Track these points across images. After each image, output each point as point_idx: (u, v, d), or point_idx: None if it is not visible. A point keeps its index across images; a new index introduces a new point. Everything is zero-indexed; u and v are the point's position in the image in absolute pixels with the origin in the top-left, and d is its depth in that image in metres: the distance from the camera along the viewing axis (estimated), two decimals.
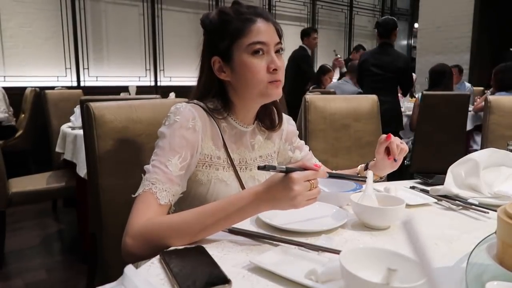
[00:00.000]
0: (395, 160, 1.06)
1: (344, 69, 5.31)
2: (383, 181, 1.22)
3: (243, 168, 1.02)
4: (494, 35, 6.46)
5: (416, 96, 4.08)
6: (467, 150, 3.49)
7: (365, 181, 0.93)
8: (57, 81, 4.82)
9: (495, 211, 0.61)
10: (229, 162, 0.98)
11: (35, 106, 3.74)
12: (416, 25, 8.10)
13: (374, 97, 2.00)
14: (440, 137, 3.16)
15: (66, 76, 4.90)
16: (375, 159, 1.11)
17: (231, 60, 0.93)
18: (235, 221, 0.78)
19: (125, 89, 4.03)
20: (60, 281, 2.18)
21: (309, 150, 1.23)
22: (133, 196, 0.85)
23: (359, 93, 3.82)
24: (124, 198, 0.92)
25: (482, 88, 5.47)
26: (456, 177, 1.12)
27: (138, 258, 0.79)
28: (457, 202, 1.03)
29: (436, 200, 1.06)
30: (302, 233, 0.81)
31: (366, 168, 1.15)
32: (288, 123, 1.16)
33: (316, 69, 5.41)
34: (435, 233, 0.84)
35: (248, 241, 0.77)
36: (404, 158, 1.10)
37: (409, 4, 9.02)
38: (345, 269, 0.52)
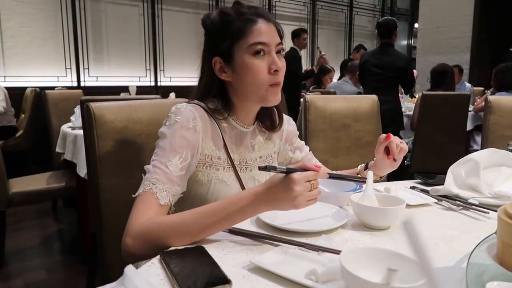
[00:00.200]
0: (394, 159, 1.06)
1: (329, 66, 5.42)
2: (383, 181, 1.22)
3: (243, 168, 1.02)
4: (494, 35, 6.46)
5: (417, 96, 4.08)
6: (467, 150, 3.48)
7: (365, 182, 0.93)
8: (57, 81, 4.83)
9: (495, 211, 0.61)
10: (229, 162, 0.98)
11: (35, 106, 3.75)
12: (416, 25, 8.10)
13: (374, 97, 2.00)
14: (440, 137, 3.16)
15: (66, 76, 4.91)
16: (375, 159, 1.11)
17: (232, 61, 0.93)
18: (236, 221, 0.78)
19: (125, 89, 4.03)
20: (60, 281, 2.18)
21: (309, 151, 1.23)
22: (133, 196, 0.85)
23: (359, 93, 3.83)
24: (124, 198, 0.92)
25: (482, 88, 5.47)
26: (456, 177, 1.12)
27: (138, 258, 0.79)
28: (457, 202, 1.03)
29: (436, 200, 1.06)
30: (302, 233, 0.80)
31: (366, 168, 1.15)
32: (288, 124, 1.16)
33: (316, 69, 5.41)
34: (435, 233, 0.84)
35: (248, 241, 0.77)
36: (404, 158, 1.10)
37: (409, 4, 9.03)
38: (345, 269, 0.52)
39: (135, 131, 1.15)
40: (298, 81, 4.91)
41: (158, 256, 0.69)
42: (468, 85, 5.27)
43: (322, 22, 7.57)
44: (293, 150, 1.17)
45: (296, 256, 0.69)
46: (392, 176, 1.33)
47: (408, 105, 4.22)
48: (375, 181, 1.06)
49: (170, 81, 5.70)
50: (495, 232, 0.58)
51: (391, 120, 3.18)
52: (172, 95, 3.62)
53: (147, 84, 5.53)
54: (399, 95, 3.63)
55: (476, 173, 1.09)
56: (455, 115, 3.17)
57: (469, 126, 3.53)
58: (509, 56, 6.04)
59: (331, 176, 0.87)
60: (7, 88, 3.97)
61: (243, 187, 0.99)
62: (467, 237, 0.82)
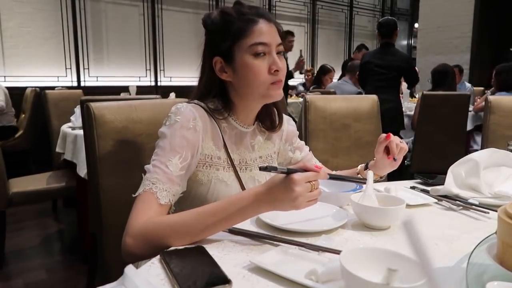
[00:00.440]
0: (394, 159, 1.06)
1: (304, 69, 5.49)
2: (383, 181, 1.22)
3: (243, 168, 1.02)
4: (494, 35, 6.45)
5: (417, 96, 4.08)
6: (468, 150, 3.48)
7: (365, 182, 0.93)
8: (57, 81, 4.83)
9: (496, 211, 0.61)
10: (229, 162, 0.98)
11: (35, 106, 3.75)
12: (416, 25, 8.10)
13: (374, 97, 2.00)
14: (440, 137, 3.16)
15: (66, 76, 4.91)
16: (375, 158, 1.11)
17: (233, 61, 0.93)
18: (236, 222, 0.78)
19: (125, 89, 4.03)
20: (60, 281, 2.18)
21: (309, 151, 1.23)
22: (133, 196, 0.85)
23: (359, 93, 3.83)
24: (124, 198, 0.92)
25: (482, 88, 5.47)
26: (456, 177, 1.12)
27: (138, 258, 0.79)
28: (457, 202, 1.03)
29: (436, 200, 1.06)
30: (303, 233, 0.80)
31: (366, 168, 1.15)
32: (288, 124, 1.16)
33: (316, 69, 5.41)
34: (435, 233, 0.84)
35: (249, 241, 0.77)
36: (404, 158, 1.10)
37: (409, 4, 9.03)
38: (345, 269, 0.52)
39: (135, 131, 1.15)
40: (285, 82, 4.93)
41: (158, 256, 0.69)
42: (468, 85, 5.27)
43: (322, 22, 7.57)
44: (293, 150, 1.17)
45: (296, 256, 0.69)
46: (392, 176, 1.33)
47: (408, 105, 4.23)
48: (375, 181, 1.06)
49: (170, 81, 5.70)
50: (495, 232, 0.58)
51: (392, 120, 3.22)
52: (172, 95, 3.62)
53: (147, 84, 5.53)
54: (400, 95, 3.65)
55: (476, 173, 1.09)
56: (455, 115, 3.17)
57: (469, 126, 3.53)
58: (509, 56, 6.04)
59: (332, 177, 0.87)
60: (7, 88, 3.97)
61: (243, 187, 0.99)
62: (467, 237, 0.82)
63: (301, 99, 4.87)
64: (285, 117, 1.13)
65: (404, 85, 4.05)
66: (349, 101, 1.97)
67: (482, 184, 1.08)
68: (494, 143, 1.94)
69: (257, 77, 0.91)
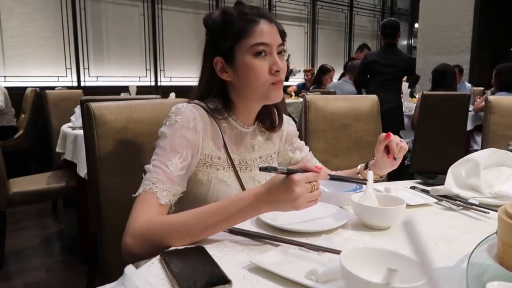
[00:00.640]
0: (395, 158, 1.05)
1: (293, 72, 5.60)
2: (384, 181, 1.22)
3: (243, 168, 1.02)
4: (494, 35, 6.46)
5: (417, 96, 4.09)
6: (468, 150, 3.48)
7: (366, 183, 0.93)
8: (58, 81, 4.83)
9: (496, 211, 0.61)
10: (229, 162, 0.98)
11: (35, 106, 3.75)
12: (416, 25, 8.10)
13: (374, 97, 2.00)
14: (440, 137, 3.16)
15: (66, 76, 4.91)
16: (375, 158, 1.11)
17: (234, 61, 0.93)
18: (236, 222, 0.78)
19: (125, 89, 4.03)
20: (60, 281, 2.18)
21: (309, 151, 1.23)
22: (133, 195, 0.85)
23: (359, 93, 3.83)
24: (124, 198, 0.92)
25: (482, 88, 5.47)
26: (456, 177, 1.12)
27: (138, 258, 0.79)
28: (457, 202, 1.03)
29: (436, 200, 1.06)
30: (303, 233, 0.80)
31: (366, 168, 1.14)
32: (288, 124, 1.16)
33: (316, 69, 5.41)
34: (435, 233, 0.84)
35: (249, 241, 0.77)
36: (404, 158, 1.10)
37: (409, 4, 9.03)
38: (346, 269, 0.52)
39: (135, 131, 1.15)
40: None
41: (158, 256, 0.69)
42: (468, 85, 5.27)
43: (322, 22, 7.57)
44: (293, 150, 1.17)
45: (296, 256, 0.69)
46: (392, 176, 1.33)
47: (408, 105, 4.23)
48: (375, 181, 1.06)
49: (170, 81, 5.70)
50: (496, 232, 0.58)
51: (393, 119, 3.28)
52: (172, 95, 3.62)
53: (147, 84, 5.53)
54: (401, 95, 3.68)
55: (476, 173, 1.09)
56: (455, 115, 3.17)
57: (469, 126, 3.53)
58: (509, 56, 6.04)
59: (332, 178, 0.87)
60: (7, 88, 3.97)
61: (243, 187, 0.99)
62: (467, 237, 0.82)
63: (301, 99, 4.88)
64: (285, 117, 1.13)
65: (404, 85, 4.06)
66: (349, 101, 1.97)
67: (482, 184, 1.08)
68: (494, 143, 1.94)
69: (258, 77, 0.91)
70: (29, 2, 4.56)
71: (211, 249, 0.72)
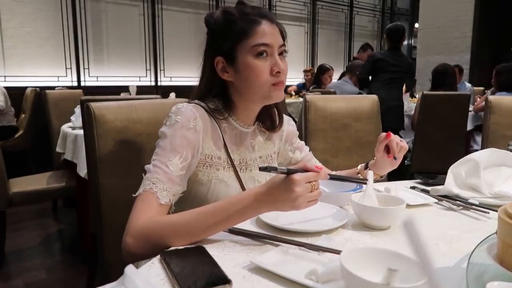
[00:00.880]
0: (395, 158, 1.05)
1: None
2: (384, 181, 1.22)
3: (243, 168, 1.02)
4: (494, 35, 6.45)
5: (417, 96, 4.10)
6: (468, 150, 3.48)
7: (366, 183, 0.93)
8: (58, 81, 4.83)
9: (496, 211, 0.61)
10: (229, 162, 0.98)
11: (35, 106, 3.74)
12: (416, 25, 8.10)
13: (374, 97, 2.00)
14: (440, 137, 3.16)
15: (66, 76, 4.91)
16: (375, 158, 1.11)
17: (235, 61, 0.93)
18: (236, 222, 0.78)
19: (125, 89, 4.03)
20: (60, 281, 2.18)
21: (309, 151, 1.23)
22: (133, 195, 0.85)
23: (359, 93, 3.84)
24: (124, 198, 0.92)
25: (482, 88, 5.46)
26: (456, 177, 1.12)
27: (138, 258, 0.79)
28: (457, 202, 1.03)
29: (436, 200, 1.06)
30: (303, 233, 0.80)
31: (366, 168, 1.14)
32: (288, 124, 1.16)
33: (315, 69, 5.41)
34: (435, 233, 0.84)
35: (249, 241, 0.77)
36: (404, 158, 1.10)
37: (409, 4, 9.03)
38: (346, 269, 0.52)
39: (135, 131, 1.15)
40: None
41: (159, 256, 0.69)
42: (468, 85, 5.27)
43: (322, 22, 7.57)
44: (293, 150, 1.17)
45: (296, 256, 0.69)
46: (392, 176, 1.33)
47: (408, 105, 4.23)
48: (375, 181, 1.06)
49: (170, 81, 5.70)
50: (496, 232, 0.58)
51: (395, 118, 3.40)
52: (172, 95, 3.62)
53: (147, 84, 5.53)
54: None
55: (476, 173, 1.09)
56: (455, 115, 3.17)
57: (469, 126, 3.53)
58: (509, 56, 6.04)
59: (332, 177, 0.87)
60: (7, 88, 3.97)
61: (243, 187, 0.99)
62: (468, 237, 0.82)
63: (301, 99, 4.87)
64: (285, 117, 1.13)
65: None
66: (349, 101, 1.97)
67: (482, 184, 1.08)
68: (494, 143, 1.94)
69: (259, 77, 0.91)
70: (29, 2, 4.56)
71: (211, 249, 0.72)
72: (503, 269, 0.52)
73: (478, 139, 3.71)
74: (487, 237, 0.61)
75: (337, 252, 0.69)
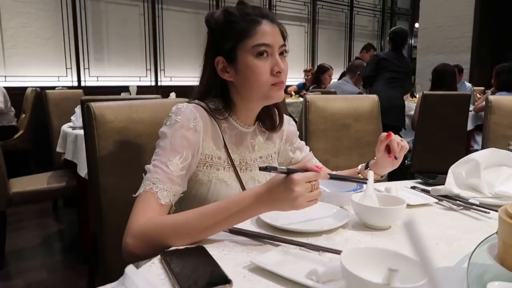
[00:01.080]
0: (395, 157, 1.05)
1: None
2: (384, 180, 1.22)
3: (244, 168, 1.02)
4: (494, 34, 6.45)
5: (417, 96, 4.11)
6: (468, 150, 3.48)
7: (366, 183, 0.93)
8: (58, 81, 4.83)
9: (496, 211, 0.61)
10: (229, 162, 0.98)
11: (35, 106, 3.74)
12: (416, 25, 8.09)
13: (374, 97, 2.00)
14: (440, 137, 3.16)
15: (66, 76, 4.91)
16: (375, 158, 1.11)
17: (235, 61, 0.93)
18: (237, 222, 0.78)
19: (125, 89, 4.03)
20: (60, 281, 2.18)
21: (310, 151, 1.23)
22: (134, 196, 0.85)
23: (360, 93, 3.85)
24: (125, 198, 0.92)
25: (482, 88, 5.46)
26: (457, 177, 1.12)
27: (138, 258, 0.79)
28: (458, 202, 1.02)
29: (437, 200, 1.06)
30: (303, 233, 0.80)
31: (366, 168, 1.14)
32: (289, 124, 1.16)
33: (315, 69, 5.41)
34: (436, 233, 0.84)
35: (249, 241, 0.77)
36: (405, 158, 1.10)
37: (410, 4, 9.02)
38: (346, 269, 0.52)
39: (135, 131, 1.15)
40: None
41: (159, 256, 0.69)
42: (468, 84, 5.27)
43: (322, 22, 7.57)
44: (293, 150, 1.17)
45: (296, 256, 0.69)
46: (393, 176, 1.33)
47: (408, 104, 4.23)
48: (375, 181, 1.06)
49: (171, 81, 5.70)
50: (496, 232, 0.58)
51: (397, 117, 3.46)
52: (173, 95, 3.62)
53: (148, 84, 5.53)
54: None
55: (476, 173, 1.09)
56: (455, 115, 3.17)
57: (469, 126, 3.53)
58: (509, 55, 6.03)
59: (332, 177, 0.87)
60: (7, 88, 3.97)
61: (243, 187, 0.99)
62: (468, 237, 0.82)
63: (301, 99, 4.87)
64: (285, 117, 1.13)
65: None
66: (350, 101, 1.96)
67: (482, 184, 1.08)
68: (495, 143, 1.94)
69: (259, 78, 0.91)
70: (30, 2, 4.56)
71: (211, 249, 0.72)
72: (504, 269, 0.52)
73: (479, 139, 3.71)
74: (488, 237, 0.61)
75: (338, 252, 0.69)
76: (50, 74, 4.76)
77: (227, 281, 0.60)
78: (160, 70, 5.61)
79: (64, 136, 2.51)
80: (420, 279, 0.50)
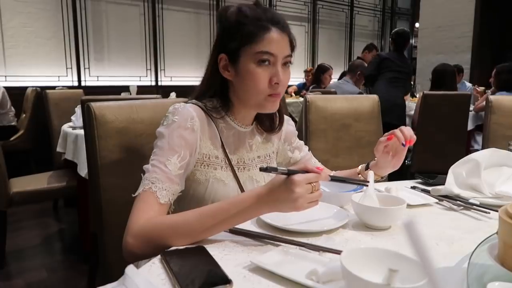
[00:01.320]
0: (403, 145, 1.02)
1: None
2: (384, 181, 1.22)
3: (241, 168, 1.02)
4: (494, 34, 6.44)
5: (417, 95, 4.12)
6: (468, 150, 3.48)
7: (367, 185, 0.93)
8: (58, 80, 4.83)
9: (497, 211, 0.61)
10: (227, 162, 0.98)
11: (36, 106, 3.74)
12: (417, 24, 8.08)
13: (374, 97, 2.00)
14: (440, 137, 3.16)
15: (67, 75, 4.91)
16: (375, 159, 1.11)
17: (237, 62, 0.92)
18: (237, 223, 0.78)
19: (126, 89, 4.03)
20: (60, 281, 2.18)
21: (309, 151, 1.23)
22: (133, 195, 0.85)
23: (360, 93, 3.85)
24: (125, 197, 0.92)
25: (483, 88, 5.46)
26: (457, 177, 1.12)
27: (139, 258, 0.79)
28: (458, 202, 1.02)
29: (437, 200, 1.06)
30: (303, 233, 0.80)
31: (367, 168, 1.14)
32: (287, 124, 1.15)
33: (315, 68, 5.41)
34: (436, 234, 0.84)
35: (249, 241, 0.77)
36: (405, 158, 1.09)
37: (410, 3, 9.02)
38: (346, 269, 0.52)
39: (136, 131, 1.15)
40: None
41: (159, 256, 0.69)
42: (468, 84, 5.27)
43: (322, 21, 7.57)
44: (292, 150, 1.16)
45: (297, 256, 0.69)
46: (393, 176, 1.33)
47: (408, 104, 4.23)
48: (376, 181, 1.05)
49: (171, 80, 5.70)
50: (496, 233, 0.58)
51: (398, 116, 3.48)
52: (173, 95, 3.62)
53: (148, 83, 5.53)
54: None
55: (477, 173, 1.09)
56: (455, 115, 3.17)
57: (469, 126, 3.53)
58: (510, 55, 6.03)
59: (333, 179, 0.87)
60: (8, 87, 3.97)
61: (241, 187, 0.99)
62: (468, 238, 0.82)
63: (301, 99, 4.87)
64: (284, 117, 1.12)
65: None
66: (350, 101, 1.96)
67: (483, 184, 1.08)
68: (495, 143, 1.93)
69: (257, 85, 0.91)
70: (30, 2, 4.56)
71: (212, 249, 0.72)
72: (504, 269, 0.52)
73: (479, 139, 3.71)
74: (488, 237, 0.61)
75: (338, 252, 0.69)
76: (51, 74, 4.77)
77: (227, 281, 0.60)
78: (160, 70, 5.61)
79: (65, 136, 2.51)
80: (420, 279, 0.50)
